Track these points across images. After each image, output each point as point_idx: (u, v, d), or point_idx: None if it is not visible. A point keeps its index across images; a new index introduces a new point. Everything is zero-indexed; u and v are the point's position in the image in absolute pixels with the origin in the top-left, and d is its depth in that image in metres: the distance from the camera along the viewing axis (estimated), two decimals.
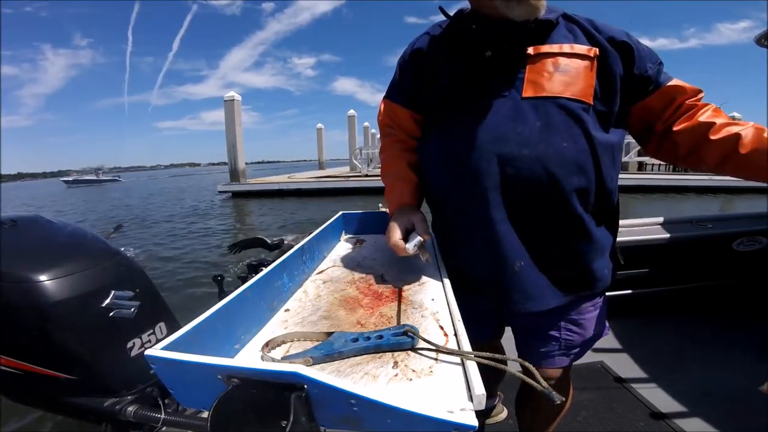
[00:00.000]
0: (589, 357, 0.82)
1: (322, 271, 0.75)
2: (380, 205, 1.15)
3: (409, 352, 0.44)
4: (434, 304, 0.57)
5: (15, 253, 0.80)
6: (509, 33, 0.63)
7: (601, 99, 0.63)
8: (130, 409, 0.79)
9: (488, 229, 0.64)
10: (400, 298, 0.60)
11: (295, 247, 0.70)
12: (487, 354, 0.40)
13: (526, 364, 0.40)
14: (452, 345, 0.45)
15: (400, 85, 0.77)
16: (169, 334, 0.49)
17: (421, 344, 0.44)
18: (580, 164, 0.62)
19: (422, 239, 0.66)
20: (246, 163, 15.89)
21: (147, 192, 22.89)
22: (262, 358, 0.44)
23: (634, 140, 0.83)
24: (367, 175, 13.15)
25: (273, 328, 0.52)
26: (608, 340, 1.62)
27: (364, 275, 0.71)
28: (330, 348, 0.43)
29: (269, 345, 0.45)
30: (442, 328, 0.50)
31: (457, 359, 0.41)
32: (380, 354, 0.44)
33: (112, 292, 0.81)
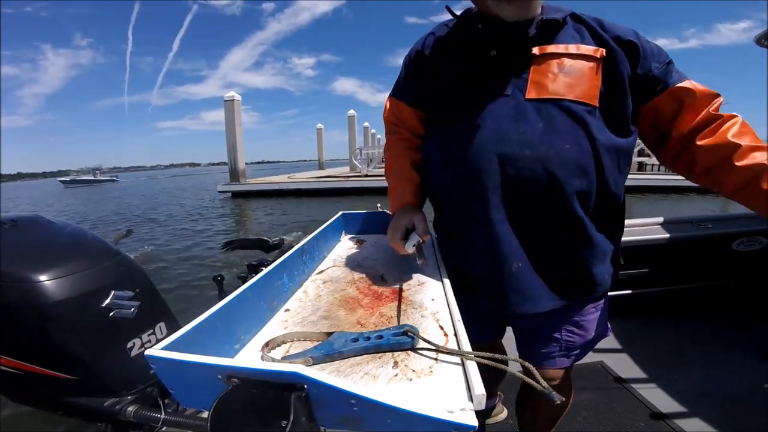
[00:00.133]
0: (589, 357, 0.82)
1: (322, 271, 0.75)
2: (378, 205, 1.15)
3: (409, 352, 0.44)
4: (434, 304, 0.57)
5: (15, 253, 0.80)
6: (515, 33, 0.62)
7: (607, 100, 0.61)
8: (130, 409, 0.79)
9: (488, 229, 0.64)
10: (400, 298, 0.60)
11: (295, 247, 0.70)
12: (487, 354, 0.40)
13: (527, 364, 0.40)
14: (452, 345, 0.45)
15: (405, 83, 0.77)
16: (169, 334, 0.49)
17: (421, 344, 0.44)
18: (582, 166, 0.60)
19: (421, 239, 0.66)
20: (246, 163, 15.91)
21: (148, 192, 22.85)
22: (262, 358, 0.44)
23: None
24: (367, 175, 13.14)
25: (273, 328, 0.52)
26: (608, 340, 1.62)
27: (364, 275, 0.71)
28: (330, 348, 0.43)
29: (269, 345, 0.45)
30: (442, 328, 0.50)
31: (457, 359, 0.41)
32: (380, 354, 0.44)
33: (112, 292, 0.81)
